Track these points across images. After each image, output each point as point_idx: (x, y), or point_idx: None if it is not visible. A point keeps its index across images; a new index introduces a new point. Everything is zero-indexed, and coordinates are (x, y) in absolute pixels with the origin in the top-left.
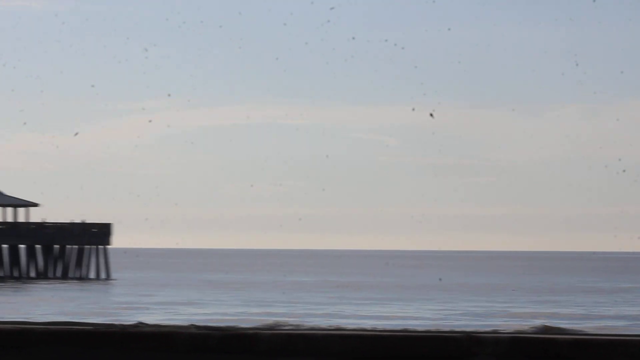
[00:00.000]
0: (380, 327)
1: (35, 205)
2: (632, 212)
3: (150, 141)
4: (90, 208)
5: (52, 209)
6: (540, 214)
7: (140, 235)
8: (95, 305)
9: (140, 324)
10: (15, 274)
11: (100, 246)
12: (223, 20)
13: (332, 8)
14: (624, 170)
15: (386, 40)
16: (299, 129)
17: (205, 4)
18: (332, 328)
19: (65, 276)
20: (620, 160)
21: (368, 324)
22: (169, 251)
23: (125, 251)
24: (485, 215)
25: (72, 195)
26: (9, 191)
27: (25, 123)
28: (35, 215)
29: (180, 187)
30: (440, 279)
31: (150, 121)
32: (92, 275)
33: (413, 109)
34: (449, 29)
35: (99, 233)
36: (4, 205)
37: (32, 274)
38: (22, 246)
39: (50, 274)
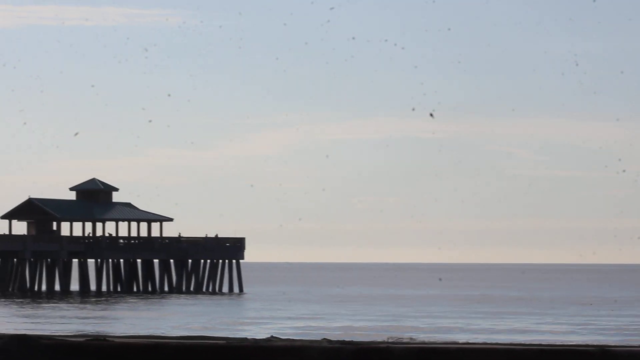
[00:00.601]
0: (514, 342)
1: (169, 220)
2: None
3: (284, 154)
4: (224, 222)
5: (186, 224)
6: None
7: (272, 249)
8: (228, 319)
9: (272, 338)
10: (150, 288)
11: (233, 260)
12: (223, 20)
13: (332, 8)
14: (624, 170)
15: (386, 40)
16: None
17: (205, 4)
18: (464, 342)
19: (198, 290)
20: (620, 160)
21: (500, 338)
22: (301, 265)
23: (258, 265)
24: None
25: (206, 210)
26: (144, 206)
27: (25, 123)
28: (170, 230)
29: (310, 201)
30: (440, 279)
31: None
32: (224, 289)
33: (413, 109)
34: (449, 29)
35: (232, 247)
36: (139, 220)
37: (166, 288)
38: (156, 261)
39: (183, 288)
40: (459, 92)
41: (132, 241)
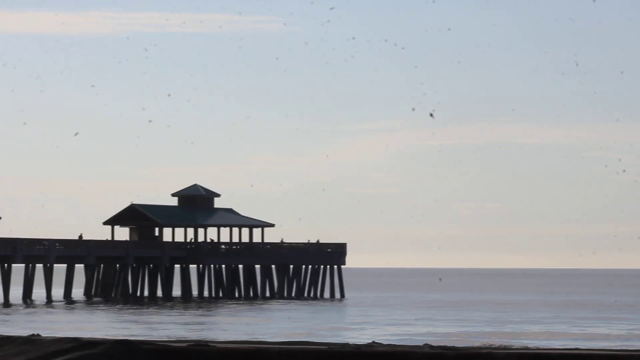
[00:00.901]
0: (615, 347)
1: (271, 225)
2: None
3: (384, 160)
4: (325, 228)
5: (288, 229)
6: None
7: (372, 254)
8: (329, 325)
9: (374, 344)
10: (251, 293)
11: (334, 266)
12: (223, 20)
13: (332, 8)
14: (624, 170)
15: (386, 40)
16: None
17: (205, 4)
18: (566, 348)
19: (299, 296)
20: (620, 160)
21: (601, 345)
22: (400, 271)
23: (358, 271)
24: None
25: (307, 215)
26: (245, 212)
27: (25, 123)
28: (271, 236)
29: (411, 206)
30: (440, 279)
31: (383, 142)
32: (326, 294)
33: (413, 109)
34: (449, 29)
35: (334, 253)
36: (240, 226)
37: (268, 293)
38: (257, 266)
39: (285, 294)
40: (459, 92)
41: (234, 247)
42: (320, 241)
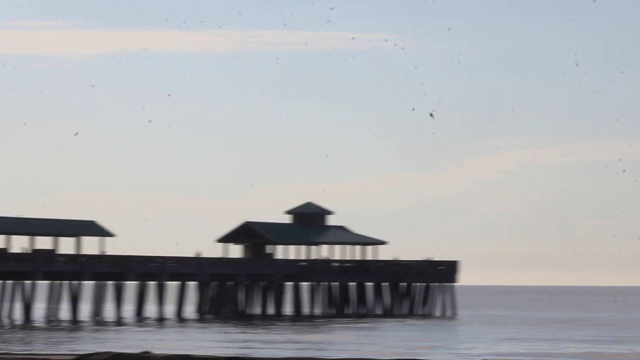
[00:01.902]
0: None
1: (383, 243)
2: None
3: (496, 179)
4: (438, 245)
5: (400, 247)
6: None
7: (486, 272)
8: (441, 343)
9: None
10: (362, 311)
11: (446, 284)
12: (223, 20)
13: (332, 8)
14: (624, 171)
15: (386, 40)
16: None
17: (205, 4)
18: None
19: (411, 313)
20: (620, 160)
21: None
22: (513, 288)
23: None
24: None
25: (420, 233)
26: (358, 229)
27: (25, 123)
28: (384, 253)
29: (523, 224)
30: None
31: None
32: (437, 312)
33: (413, 109)
34: (449, 29)
35: (446, 271)
36: (353, 244)
37: (379, 311)
38: (369, 284)
39: (396, 311)
40: (459, 92)
41: (346, 264)
42: (434, 259)
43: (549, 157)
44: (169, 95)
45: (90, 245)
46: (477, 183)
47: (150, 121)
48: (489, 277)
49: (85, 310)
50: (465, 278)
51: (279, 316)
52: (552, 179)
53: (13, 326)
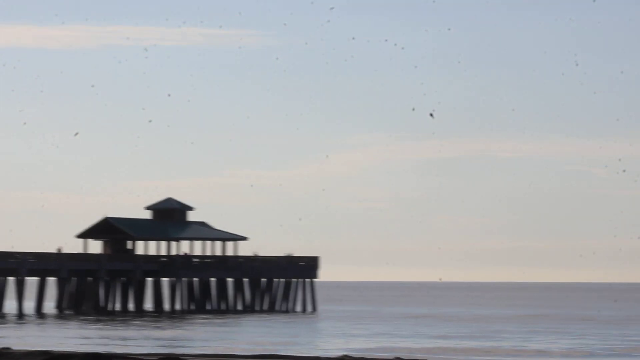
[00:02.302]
0: None
1: (243, 239)
2: None
3: (358, 173)
4: (299, 241)
5: (261, 243)
6: None
7: (346, 268)
8: (301, 338)
9: (345, 357)
10: (223, 307)
11: (307, 279)
12: (223, 20)
13: (332, 8)
14: (624, 170)
15: (386, 40)
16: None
17: (205, 4)
18: None
19: (271, 309)
20: (620, 160)
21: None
22: (375, 284)
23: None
24: None
25: (281, 229)
26: (219, 225)
27: (25, 123)
28: (244, 249)
29: (386, 221)
30: (440, 279)
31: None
32: (298, 308)
33: (413, 109)
34: (449, 29)
35: (306, 267)
36: (213, 239)
37: (239, 307)
38: (229, 279)
39: (257, 307)
40: (459, 92)
41: (207, 260)
42: (294, 255)
43: (401, 153)
44: (169, 95)
45: None
46: (338, 179)
47: (150, 121)
48: (351, 273)
49: None
50: (326, 274)
51: (139, 312)
52: (414, 174)
53: None
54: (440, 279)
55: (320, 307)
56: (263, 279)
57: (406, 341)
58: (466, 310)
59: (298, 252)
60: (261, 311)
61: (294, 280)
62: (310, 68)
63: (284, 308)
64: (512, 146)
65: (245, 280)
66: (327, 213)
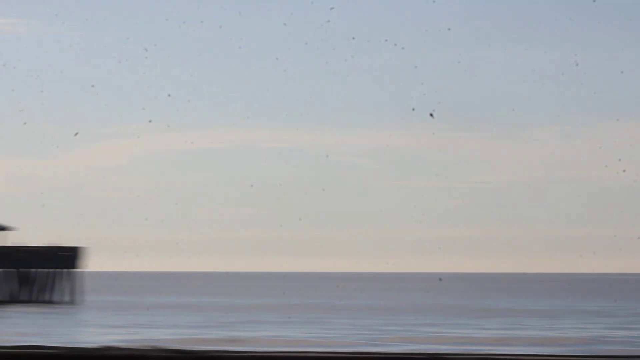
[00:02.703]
0: (338, 351)
1: (9, 229)
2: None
3: (126, 164)
4: (68, 231)
5: (28, 233)
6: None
7: (116, 258)
8: (62, 329)
9: (108, 347)
10: None
11: (71, 269)
12: (223, 20)
13: (332, 8)
14: (624, 170)
15: (386, 40)
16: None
17: (205, 4)
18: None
19: (36, 300)
20: (620, 160)
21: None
22: (146, 274)
23: (99, 274)
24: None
25: (46, 219)
26: None
27: (25, 123)
28: (8, 239)
29: (154, 210)
30: (440, 279)
31: (139, 137)
32: (62, 299)
33: (413, 109)
34: (449, 29)
35: (71, 257)
36: None
37: (5, 297)
38: None
39: (22, 298)
40: (459, 92)
41: None
42: (59, 245)
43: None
44: (169, 95)
45: None
46: (105, 167)
47: (150, 121)
48: (122, 263)
49: None
50: (95, 264)
51: None
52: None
53: None
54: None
55: (86, 297)
56: (27, 269)
57: (163, 331)
58: (230, 300)
59: (65, 243)
60: (25, 302)
61: (58, 270)
62: (310, 68)
63: (48, 298)
64: (512, 147)
65: (10, 270)
66: (97, 203)
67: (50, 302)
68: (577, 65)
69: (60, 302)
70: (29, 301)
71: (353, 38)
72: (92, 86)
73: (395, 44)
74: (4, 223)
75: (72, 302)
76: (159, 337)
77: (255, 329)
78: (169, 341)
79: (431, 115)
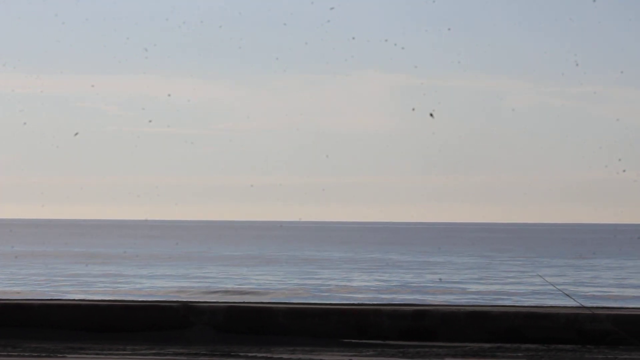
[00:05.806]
0: (99, 298)
1: None
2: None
3: None
4: None
5: None
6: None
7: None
8: None
9: None
10: None
11: None
12: (223, 20)
13: (332, 8)
14: (624, 170)
15: (386, 40)
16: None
17: (205, 4)
18: (52, 299)
19: None
20: (620, 160)
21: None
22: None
23: None
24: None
25: None
26: None
27: (25, 123)
28: None
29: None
30: (440, 279)
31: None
32: None
33: (413, 109)
34: (449, 29)
35: None
36: None
37: None
38: None
39: None
40: (459, 92)
41: None
42: None
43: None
44: (169, 95)
45: None
46: None
47: (150, 121)
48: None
49: None
50: None
51: None
52: None
53: None
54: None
55: None
56: None
57: None
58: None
59: None
60: None
61: None
62: (310, 68)
63: None
64: (511, 146)
65: None
66: None
67: None
68: (577, 65)
69: None
70: None
71: (353, 38)
72: (92, 86)
73: (395, 44)
74: None
75: None
76: None
77: None
78: None
79: (431, 115)
